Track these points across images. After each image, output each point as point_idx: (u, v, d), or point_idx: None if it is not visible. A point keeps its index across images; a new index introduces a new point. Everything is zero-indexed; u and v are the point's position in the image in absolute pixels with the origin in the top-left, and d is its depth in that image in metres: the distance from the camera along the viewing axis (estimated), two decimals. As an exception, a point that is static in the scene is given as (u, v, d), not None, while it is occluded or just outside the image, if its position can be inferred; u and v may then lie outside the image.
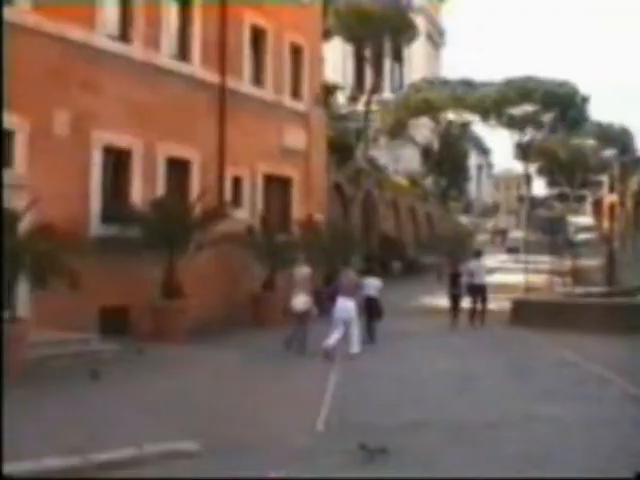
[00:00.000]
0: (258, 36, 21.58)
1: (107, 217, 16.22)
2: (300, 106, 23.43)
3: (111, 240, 15.68)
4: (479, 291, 20.73)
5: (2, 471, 6.33)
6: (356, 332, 15.21)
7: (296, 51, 23.25)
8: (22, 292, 12.74)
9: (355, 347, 15.06)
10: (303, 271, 15.91)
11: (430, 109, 59.95)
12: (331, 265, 20.95)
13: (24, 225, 11.91)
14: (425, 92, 60.57)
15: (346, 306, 15.03)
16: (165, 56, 18.22)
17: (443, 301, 22.94)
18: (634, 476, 7.26)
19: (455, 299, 21.19)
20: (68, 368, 12.35)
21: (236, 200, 20.34)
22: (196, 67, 19.11)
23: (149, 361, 13.50)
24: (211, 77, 19.50)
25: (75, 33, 15.65)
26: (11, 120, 14.26)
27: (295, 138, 22.89)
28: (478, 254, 23.31)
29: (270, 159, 21.80)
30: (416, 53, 72.20)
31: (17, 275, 11.63)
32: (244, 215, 20.47)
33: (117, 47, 16.87)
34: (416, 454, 8.37)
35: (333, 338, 14.72)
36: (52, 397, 10.43)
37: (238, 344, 15.86)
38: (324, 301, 16.26)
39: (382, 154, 56.74)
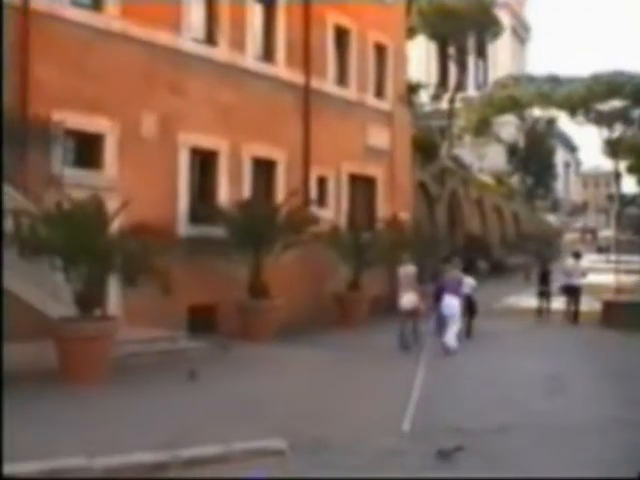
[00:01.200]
0: (342, 36, 21.57)
1: (194, 217, 16.50)
2: (384, 105, 23.32)
3: (198, 240, 15.93)
4: (574, 291, 20.58)
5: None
6: (456, 329, 15.49)
7: (380, 50, 23.16)
8: (112, 291, 13.07)
9: (453, 343, 15.20)
10: (409, 270, 16.11)
11: (516, 106, 58.83)
12: (418, 264, 20.69)
13: (115, 226, 12.16)
14: (510, 89, 59.45)
15: (452, 303, 15.50)
16: (250, 57, 18.38)
17: (531, 301, 22.50)
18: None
19: (544, 297, 21.04)
20: (156, 365, 12.57)
21: (321, 200, 20.37)
22: (280, 68, 19.23)
23: (235, 359, 13.62)
24: (295, 77, 19.58)
25: (162, 37, 15.96)
26: (101, 123, 14.66)
27: (379, 137, 22.80)
28: (577, 255, 22.74)
29: (354, 158, 21.76)
30: (501, 49, 70.95)
31: (108, 274, 11.90)
32: (329, 215, 20.48)
33: (203, 50, 17.12)
34: (500, 457, 8.21)
35: (451, 335, 15.18)
36: (140, 393, 10.63)
37: (324, 344, 15.86)
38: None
39: (467, 152, 56.03)
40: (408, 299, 15.68)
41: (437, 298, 16.03)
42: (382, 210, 22.98)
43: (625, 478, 7.49)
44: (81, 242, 11.12)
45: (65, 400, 10.11)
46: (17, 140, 13.30)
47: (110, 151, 14.92)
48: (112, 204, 12.85)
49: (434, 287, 17.04)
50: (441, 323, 15.70)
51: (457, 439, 8.48)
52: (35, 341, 11.53)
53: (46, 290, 11.90)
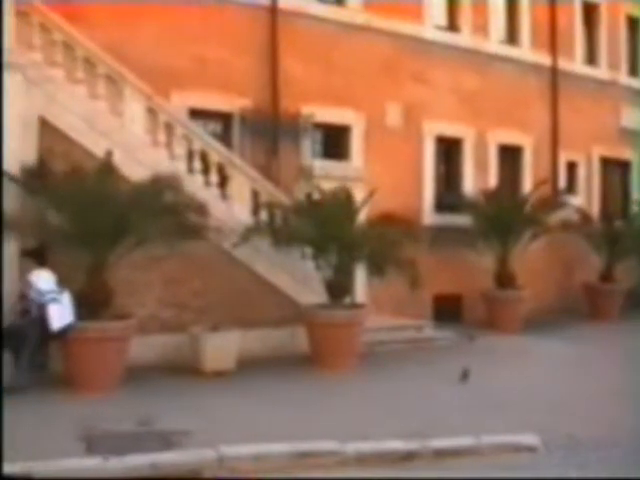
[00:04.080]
0: (590, 12, 20.43)
1: (439, 206, 16.43)
2: (638, 84, 21.83)
3: (444, 229, 15.81)
4: None
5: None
6: None
7: (633, 24, 21.67)
8: (359, 279, 13.30)
9: None
10: None
11: None
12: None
13: (362, 216, 12.36)
14: None
15: None
16: (494, 42, 17.94)
17: None
18: None
19: None
20: (404, 353, 12.68)
21: (571, 186, 19.48)
22: (525, 50, 18.58)
23: (481, 350, 13.36)
24: (541, 59, 18.82)
25: (404, 27, 15.98)
26: (348, 115, 15.00)
27: (633, 118, 21.36)
28: None
29: (606, 141, 20.53)
30: None
31: (355, 263, 12.10)
32: (579, 201, 19.53)
33: (445, 37, 16.95)
34: None
35: None
36: (388, 381, 10.71)
37: (573, 337, 15.10)
38: None
39: None
40: None
41: None
42: (637, 196, 21.52)
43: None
44: (331, 232, 11.40)
45: (315, 385, 10.42)
46: (269, 134, 13.97)
47: (356, 142, 15.27)
48: (358, 194, 13.07)
49: None
50: None
51: None
52: (286, 327, 12.05)
53: (297, 278, 12.33)
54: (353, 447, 7.48)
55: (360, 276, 13.14)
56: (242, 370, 10.74)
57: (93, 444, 7.39)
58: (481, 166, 17.42)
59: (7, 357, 9.49)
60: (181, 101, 13.11)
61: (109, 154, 9.97)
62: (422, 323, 14.32)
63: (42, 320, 9.47)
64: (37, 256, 9.88)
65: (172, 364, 10.88)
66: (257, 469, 7.08)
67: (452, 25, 17.32)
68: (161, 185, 10.01)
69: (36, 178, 9.89)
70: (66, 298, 9.59)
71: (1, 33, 9.49)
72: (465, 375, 10.72)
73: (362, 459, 7.41)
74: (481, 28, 17.65)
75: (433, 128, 16.50)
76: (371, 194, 12.39)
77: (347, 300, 12.08)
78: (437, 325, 14.53)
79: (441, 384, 10.56)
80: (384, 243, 11.32)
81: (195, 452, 7.19)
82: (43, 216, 9.65)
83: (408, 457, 7.55)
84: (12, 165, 9.81)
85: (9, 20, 10.09)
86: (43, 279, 9.64)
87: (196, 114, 13.27)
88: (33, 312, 9.58)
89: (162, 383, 10.06)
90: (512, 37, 18.57)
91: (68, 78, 10.93)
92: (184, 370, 10.71)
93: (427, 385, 10.50)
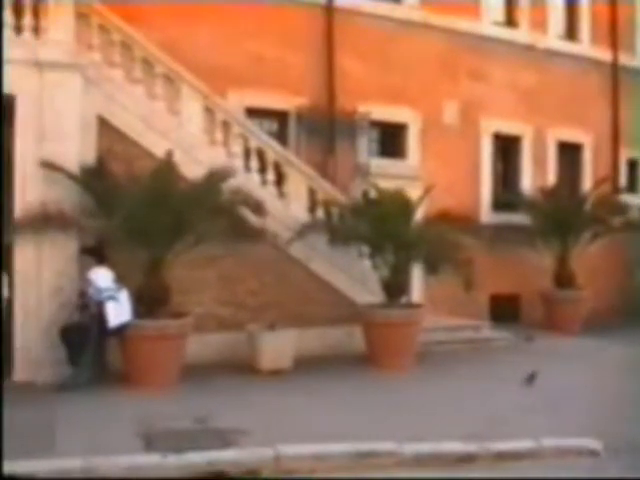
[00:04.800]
0: (652, 6, 19.96)
1: (497, 205, 16.23)
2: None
3: (501, 228, 15.58)
4: None
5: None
6: None
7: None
8: (415, 279, 13.19)
9: None
10: None
11: None
12: None
13: (419, 214, 12.25)
14: None
15: None
16: (552, 37, 17.63)
17: None
18: None
19: None
20: (461, 354, 12.57)
21: (632, 184, 19.05)
22: (585, 46, 18.21)
23: (540, 351, 13.13)
24: (602, 55, 18.43)
25: (461, 23, 15.82)
26: (404, 113, 14.92)
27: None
28: None
29: (670, 139, 20.04)
30: None
31: (412, 262, 12.00)
32: (640, 201, 19.09)
33: (503, 33, 16.73)
34: None
35: None
36: (446, 381, 10.59)
37: (635, 339, 14.71)
38: None
39: None
40: None
41: None
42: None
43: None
44: (388, 230, 11.31)
45: (372, 384, 10.33)
46: (325, 132, 13.95)
47: (413, 140, 15.21)
48: (415, 193, 12.92)
49: None
50: None
51: None
52: (343, 326, 12.00)
53: (354, 277, 12.27)
54: (411, 448, 7.39)
55: (416, 275, 13.04)
56: (299, 369, 10.73)
57: (152, 441, 7.43)
58: (539, 164, 17.17)
59: (62, 354, 9.64)
60: (238, 100, 13.17)
61: (169, 154, 10.02)
62: (479, 323, 14.15)
63: (100, 317, 9.58)
64: (96, 254, 10.00)
65: (229, 362, 10.91)
66: (315, 469, 7.05)
67: (510, 21, 17.09)
68: (215, 179, 10.04)
69: (95, 177, 10.00)
70: (124, 296, 9.68)
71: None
72: (532, 378, 10.49)
73: (420, 460, 7.32)
74: (539, 23, 17.36)
75: (490, 125, 16.31)
76: (428, 191, 12.26)
77: (404, 300, 11.96)
78: (495, 325, 14.34)
79: (499, 385, 10.39)
80: (442, 242, 11.19)
81: (253, 451, 7.18)
82: (102, 215, 9.75)
83: (467, 459, 7.45)
84: (72, 164, 9.93)
85: (70, 20, 10.22)
86: (101, 276, 9.75)
87: (252, 113, 13.33)
88: (92, 309, 9.69)
89: (219, 381, 10.09)
90: (571, 32, 18.24)
91: (126, 78, 11.04)
92: (241, 368, 10.73)
93: (485, 386, 10.33)
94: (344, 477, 6.93)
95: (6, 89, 9.72)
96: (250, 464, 7.01)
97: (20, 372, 9.82)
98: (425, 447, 7.47)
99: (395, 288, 11.65)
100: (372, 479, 6.97)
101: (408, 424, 8.24)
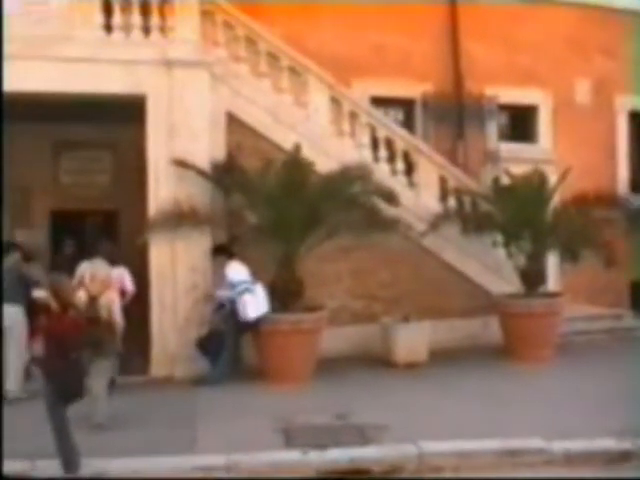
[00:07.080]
0: None
1: (636, 186, 15.45)
2: None
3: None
4: None
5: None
6: None
7: None
8: (551, 266, 12.68)
9: None
10: None
11: None
12: None
13: (555, 199, 11.76)
14: None
15: None
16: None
17: None
18: None
19: None
20: (602, 344, 12.07)
21: None
22: None
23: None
24: None
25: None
26: (534, 95, 14.43)
27: None
28: None
29: None
30: None
31: (549, 249, 11.54)
32: None
33: (637, 4, 15.83)
34: None
35: None
36: (589, 374, 10.09)
37: None
38: None
39: None
40: None
41: None
42: None
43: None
44: (524, 217, 10.93)
45: (511, 377, 9.98)
46: (453, 118, 13.63)
47: (544, 122, 14.70)
48: (549, 177, 12.46)
49: None
50: None
51: None
52: (478, 317, 11.67)
53: (488, 266, 11.92)
54: (560, 446, 7.08)
55: (551, 262, 12.54)
56: (434, 362, 10.51)
57: (291, 437, 7.39)
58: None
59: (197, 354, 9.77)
60: (362, 89, 13.05)
61: (297, 148, 9.95)
62: (620, 312, 13.57)
63: (234, 313, 9.61)
64: (226, 252, 10.03)
65: (363, 355, 10.83)
66: (459, 466, 6.85)
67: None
68: (351, 176, 9.91)
69: (226, 173, 10.05)
70: (259, 289, 9.67)
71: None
72: None
73: (570, 459, 7.00)
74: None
75: (626, 103, 15.52)
76: (565, 174, 11.72)
77: (542, 288, 11.51)
78: (637, 314, 13.68)
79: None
80: (584, 227, 10.69)
81: (395, 447, 7.04)
82: (235, 210, 9.79)
83: (622, 458, 7.05)
84: (202, 161, 10.02)
85: (196, 18, 10.32)
86: (235, 271, 9.78)
87: (377, 102, 13.19)
88: (227, 306, 9.75)
89: (354, 375, 10.00)
90: None
91: (252, 72, 11.06)
92: (375, 361, 10.63)
93: (633, 378, 9.76)
94: (491, 477, 6.66)
95: (137, 89, 9.93)
96: (393, 461, 6.87)
97: (157, 367, 10.03)
98: (575, 445, 7.13)
99: (534, 277, 11.22)
100: (520, 479, 6.67)
101: (554, 420, 7.88)
